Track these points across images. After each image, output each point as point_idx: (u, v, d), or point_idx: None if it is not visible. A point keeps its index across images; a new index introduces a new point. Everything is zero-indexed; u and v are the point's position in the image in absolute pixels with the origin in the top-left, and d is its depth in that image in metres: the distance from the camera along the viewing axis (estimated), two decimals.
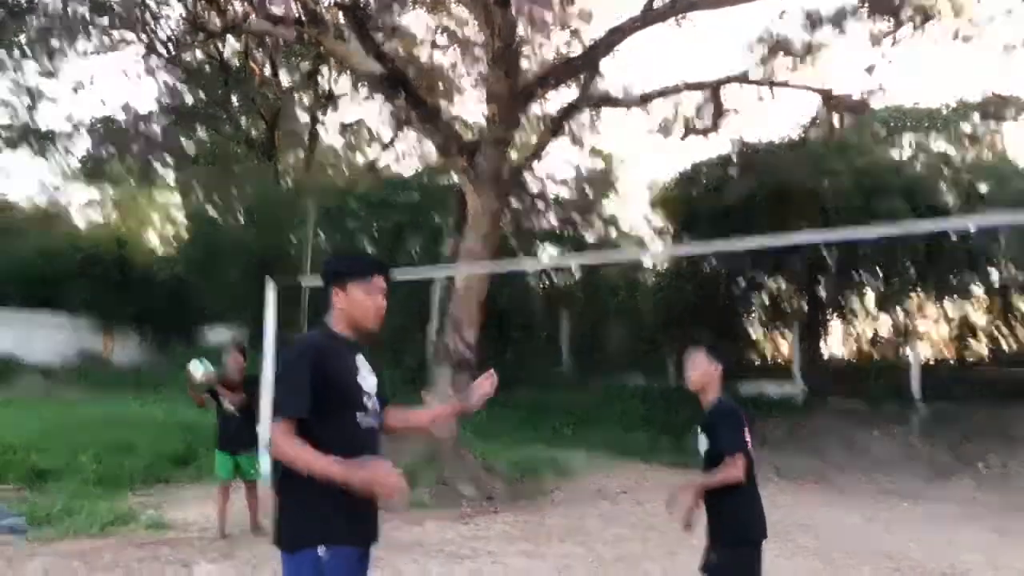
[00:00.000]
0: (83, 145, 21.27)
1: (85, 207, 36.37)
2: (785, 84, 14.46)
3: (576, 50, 14.22)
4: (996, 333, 15.73)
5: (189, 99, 22.32)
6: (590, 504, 9.54)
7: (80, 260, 23.74)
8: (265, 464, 6.95)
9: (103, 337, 24.26)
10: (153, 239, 31.58)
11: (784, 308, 17.49)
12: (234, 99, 22.31)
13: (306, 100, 23.39)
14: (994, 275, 15.01)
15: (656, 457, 12.99)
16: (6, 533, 6.80)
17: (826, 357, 16.61)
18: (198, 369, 6.88)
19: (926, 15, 13.10)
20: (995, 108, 18.76)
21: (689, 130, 15.72)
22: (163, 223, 31.16)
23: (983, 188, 14.15)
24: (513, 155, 13.39)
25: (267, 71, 20.93)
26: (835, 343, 17.61)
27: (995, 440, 12.26)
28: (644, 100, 13.64)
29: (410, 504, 8.70)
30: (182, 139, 24.00)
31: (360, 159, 28.22)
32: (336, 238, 18.63)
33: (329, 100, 23.87)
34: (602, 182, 20.36)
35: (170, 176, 26.56)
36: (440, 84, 16.90)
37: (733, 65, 14.26)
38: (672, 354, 17.13)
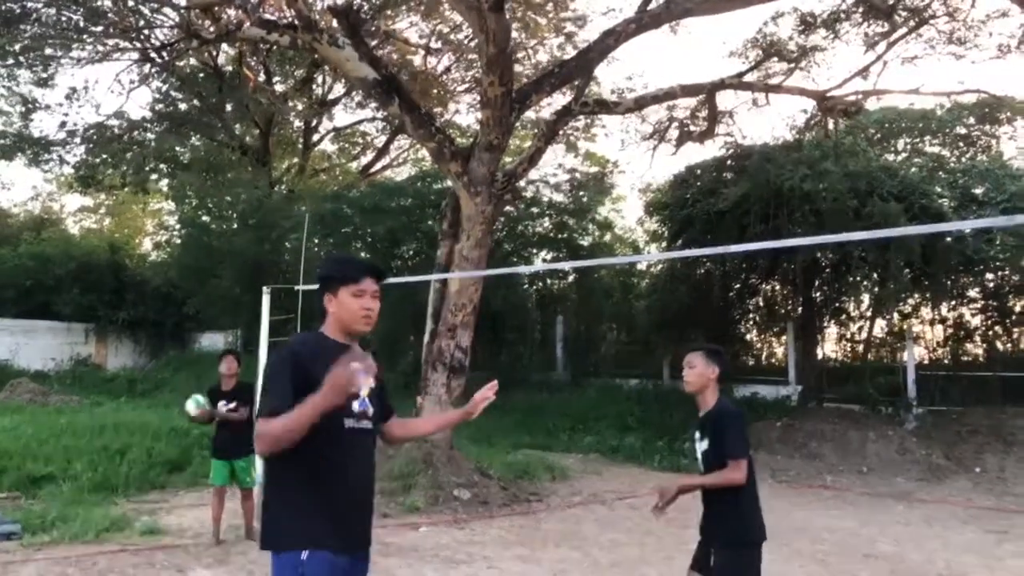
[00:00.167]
0: (77, 152, 21.18)
1: (79, 214, 36.55)
2: (779, 88, 14.54)
3: (570, 55, 14.29)
4: (991, 335, 15.77)
5: (183, 106, 22.28)
6: (586, 508, 9.53)
7: (74, 267, 23.73)
8: (260, 470, 6.95)
9: (97, 343, 24.24)
10: (147, 246, 31.63)
11: (779, 310, 17.52)
12: (228, 106, 22.28)
13: (300, 106, 23.38)
14: (989, 277, 15.06)
15: (651, 460, 13.00)
16: (1, 539, 6.77)
17: (821, 359, 16.62)
18: (195, 408, 6.86)
19: (921, 19, 13.16)
20: (989, 110, 18.87)
21: (684, 135, 15.78)
22: (157, 230, 31.20)
23: (978, 190, 14.19)
24: (507, 160, 13.42)
25: (261, 77, 20.92)
26: (830, 345, 17.63)
27: (991, 442, 12.30)
28: (639, 105, 13.67)
29: (406, 507, 8.73)
30: (176, 146, 23.97)
31: (354, 165, 28.26)
32: (330, 244, 18.61)
33: (323, 106, 23.88)
34: (596, 186, 20.39)
35: (164, 183, 26.57)
36: (434, 89, 16.93)
37: (728, 70, 14.25)
38: (667, 356, 17.16)
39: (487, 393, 3.16)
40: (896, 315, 15.65)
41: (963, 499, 10.63)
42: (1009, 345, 15.85)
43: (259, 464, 7.03)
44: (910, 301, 15.34)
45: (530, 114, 16.03)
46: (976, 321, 15.80)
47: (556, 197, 19.60)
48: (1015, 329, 15.70)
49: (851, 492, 11.05)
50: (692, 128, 15.76)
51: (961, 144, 21.02)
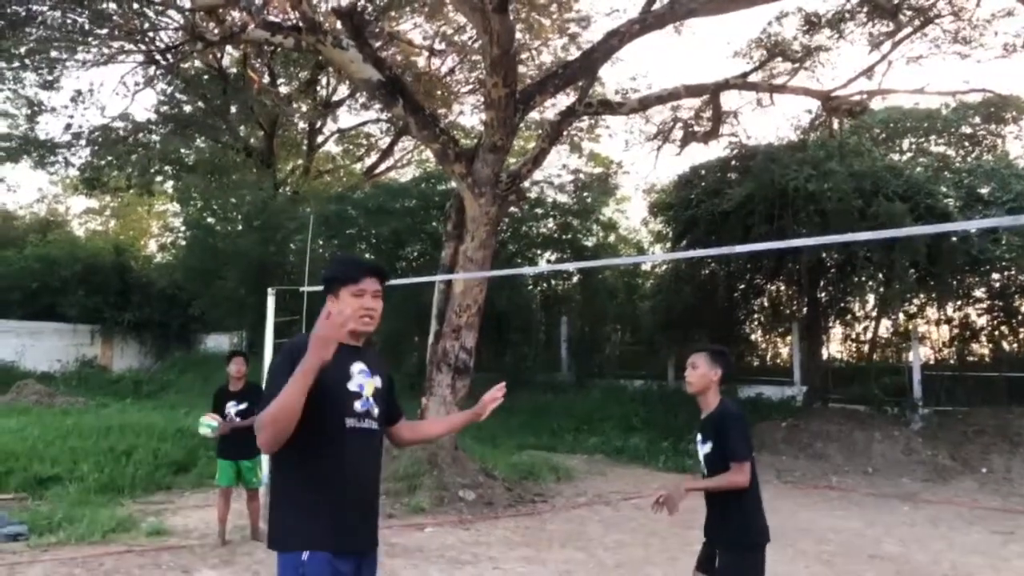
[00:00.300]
0: (82, 155, 21.25)
1: (84, 216, 36.68)
2: (784, 88, 14.52)
3: (574, 56, 14.29)
4: (997, 335, 15.72)
5: (188, 108, 22.34)
6: (590, 509, 9.53)
7: (79, 269, 23.80)
8: (267, 471, 6.96)
9: (103, 345, 24.30)
10: (152, 247, 31.71)
11: (784, 310, 17.49)
12: (232, 108, 22.33)
13: (304, 108, 23.42)
14: (995, 277, 15.01)
15: (656, 461, 13.00)
16: (8, 540, 6.80)
17: (826, 359, 16.58)
18: (212, 432, 6.87)
19: (926, 18, 13.13)
20: (995, 109, 18.81)
21: (688, 136, 15.77)
22: (162, 232, 31.26)
23: (983, 190, 14.15)
24: (512, 161, 13.42)
25: (265, 79, 20.95)
26: (835, 345, 17.60)
27: (997, 442, 12.25)
28: (643, 106, 13.67)
29: (411, 507, 8.73)
30: (181, 148, 24.03)
31: (358, 166, 28.29)
32: (334, 245, 18.63)
33: (327, 108, 23.92)
34: (600, 186, 20.38)
35: (168, 185, 26.63)
36: (438, 91, 16.95)
37: (732, 70, 14.24)
38: (671, 357, 17.14)
39: (496, 395, 3.17)
40: (901, 315, 15.62)
41: (969, 500, 10.61)
42: (1015, 345, 15.78)
43: (265, 465, 7.05)
44: (915, 301, 15.31)
45: (534, 115, 16.09)
46: (982, 321, 15.75)
47: (560, 198, 19.62)
48: (1021, 329, 15.63)
49: (856, 493, 11.03)
50: (696, 128, 15.75)
51: (967, 144, 20.95)
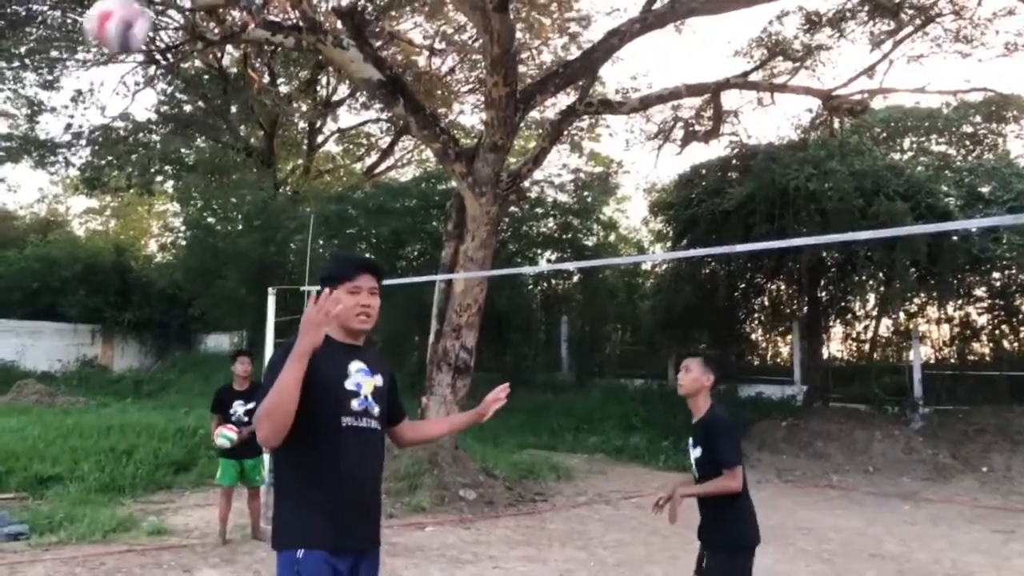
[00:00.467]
0: (83, 154, 21.24)
1: (84, 216, 36.69)
2: (784, 87, 14.51)
3: (575, 55, 14.29)
4: (998, 334, 15.71)
5: (188, 108, 22.34)
6: (591, 508, 9.53)
7: (80, 269, 23.80)
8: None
9: (103, 344, 24.32)
10: (152, 247, 31.71)
11: (784, 310, 17.48)
12: (233, 107, 22.32)
13: (304, 108, 23.42)
14: (995, 276, 15.00)
15: (656, 460, 13.00)
16: (9, 540, 6.80)
17: (826, 358, 16.58)
18: (229, 444, 6.86)
19: (927, 17, 13.13)
20: (996, 108, 18.79)
21: (689, 135, 15.76)
22: (162, 231, 31.27)
23: (984, 189, 14.14)
24: (512, 160, 13.42)
25: (265, 79, 20.94)
26: (836, 344, 17.59)
27: (997, 441, 12.25)
28: (644, 105, 13.66)
29: (412, 507, 8.73)
30: (181, 148, 24.02)
31: (358, 166, 28.29)
32: (335, 245, 18.64)
33: (327, 107, 23.91)
34: (601, 186, 20.38)
35: (169, 184, 26.63)
36: (438, 90, 16.94)
37: (733, 69, 14.23)
38: (672, 356, 17.14)
39: (499, 395, 3.16)
40: (902, 314, 15.62)
41: (969, 498, 10.61)
42: (1016, 344, 15.77)
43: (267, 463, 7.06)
44: (916, 300, 15.31)
45: (535, 114, 16.08)
46: (982, 320, 15.75)
47: (561, 197, 19.62)
48: (1022, 328, 15.63)
49: (857, 492, 11.03)
50: (697, 128, 15.74)
51: (967, 143, 20.94)
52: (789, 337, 17.62)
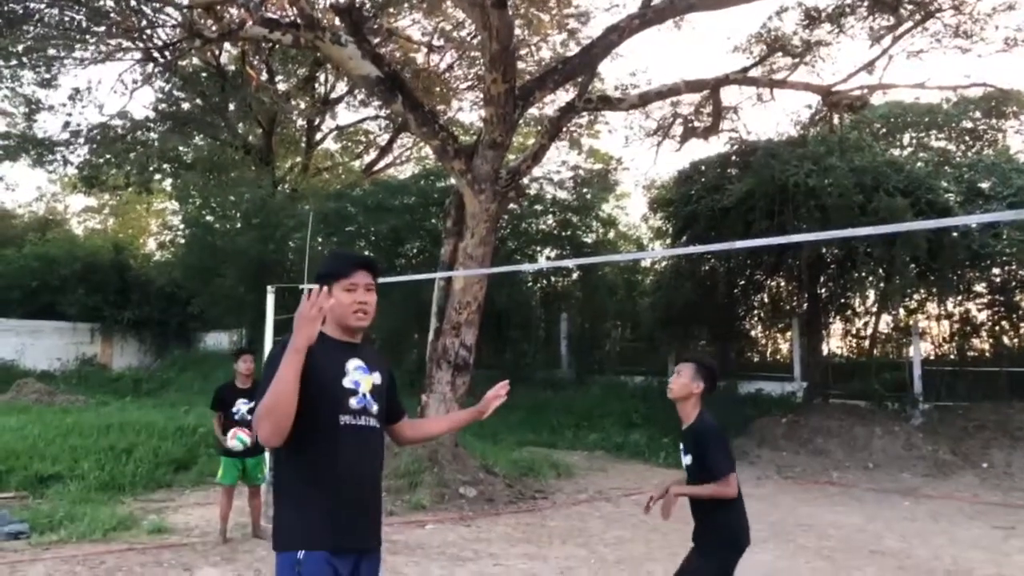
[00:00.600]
0: (81, 153, 21.23)
1: (83, 215, 36.67)
2: (784, 83, 14.50)
3: (574, 51, 14.27)
4: (998, 330, 15.71)
5: (186, 105, 22.31)
6: (591, 505, 9.53)
7: (79, 267, 23.80)
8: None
9: (102, 343, 24.32)
10: (151, 246, 31.69)
11: (784, 306, 17.47)
12: (231, 105, 22.30)
13: (303, 105, 23.39)
14: (995, 272, 14.99)
15: (656, 457, 13.00)
16: (9, 539, 6.79)
17: (826, 355, 16.57)
18: (240, 444, 6.87)
19: (926, 12, 13.11)
20: (996, 104, 18.79)
21: (689, 131, 15.74)
22: (161, 230, 31.24)
23: (984, 185, 14.12)
24: (511, 157, 13.40)
25: (264, 76, 20.92)
26: (835, 341, 17.60)
27: (997, 437, 12.26)
28: (643, 101, 13.64)
29: (412, 504, 8.73)
30: (179, 145, 24.00)
31: (357, 163, 28.27)
32: (334, 243, 18.62)
33: (326, 105, 23.88)
34: (600, 182, 20.36)
35: (167, 183, 26.60)
36: (437, 87, 16.92)
37: (732, 65, 14.23)
38: (671, 353, 17.13)
39: (499, 392, 3.16)
40: (902, 310, 15.60)
41: (970, 495, 10.61)
42: (1016, 340, 15.78)
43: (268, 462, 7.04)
44: (916, 296, 15.28)
45: (534, 111, 16.06)
46: (982, 316, 15.74)
47: (560, 194, 19.59)
48: (1022, 324, 15.63)
49: (857, 488, 11.03)
50: (696, 124, 15.73)
51: (967, 138, 20.93)
52: (789, 333, 17.62)
